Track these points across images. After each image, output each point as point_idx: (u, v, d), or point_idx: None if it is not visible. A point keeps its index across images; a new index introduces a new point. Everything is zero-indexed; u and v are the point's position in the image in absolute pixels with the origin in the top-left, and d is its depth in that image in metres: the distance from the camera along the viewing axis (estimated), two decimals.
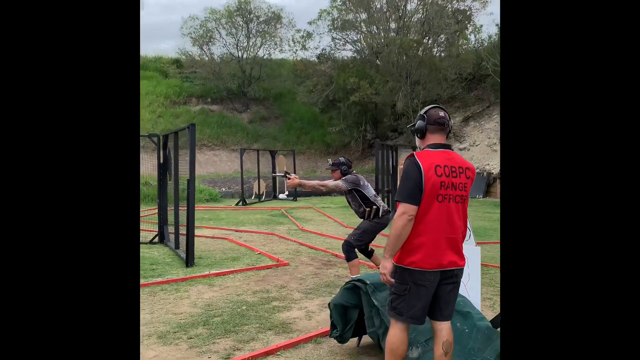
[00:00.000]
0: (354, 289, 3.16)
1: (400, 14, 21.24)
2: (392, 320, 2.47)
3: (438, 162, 2.36)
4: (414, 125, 2.53)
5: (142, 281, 5.00)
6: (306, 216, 11.49)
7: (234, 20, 25.79)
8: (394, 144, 14.38)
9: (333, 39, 23.58)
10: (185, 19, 27.56)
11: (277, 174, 4.57)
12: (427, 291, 2.39)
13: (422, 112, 2.52)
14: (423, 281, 2.36)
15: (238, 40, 26.23)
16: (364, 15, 22.60)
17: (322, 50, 23.68)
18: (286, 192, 16.58)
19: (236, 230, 8.93)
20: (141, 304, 4.24)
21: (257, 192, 15.82)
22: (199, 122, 24.72)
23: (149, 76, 26.23)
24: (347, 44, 23.71)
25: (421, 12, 21.24)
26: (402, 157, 12.54)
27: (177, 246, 6.73)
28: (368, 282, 3.07)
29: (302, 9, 49.10)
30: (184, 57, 27.15)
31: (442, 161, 2.38)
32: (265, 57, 26.37)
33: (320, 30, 23.15)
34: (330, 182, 4.75)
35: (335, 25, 22.69)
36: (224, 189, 17.22)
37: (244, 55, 26.24)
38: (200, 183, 17.63)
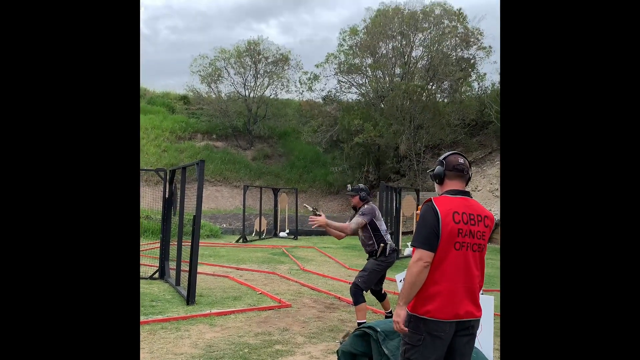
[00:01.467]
0: (364, 336, 3.08)
1: (405, 60, 21.73)
2: None
3: (456, 209, 2.31)
4: (432, 170, 2.50)
5: (142, 318, 4.89)
6: (307, 256, 11.36)
7: (242, 60, 26.37)
8: (397, 186, 14.43)
9: (339, 81, 24.03)
10: (195, 57, 28.05)
11: (308, 207, 4.62)
12: (443, 342, 2.30)
13: (441, 157, 2.49)
14: (438, 332, 2.28)
15: (246, 79, 26.75)
16: (369, 60, 23.14)
17: (328, 92, 24.08)
18: (287, 231, 16.47)
19: (237, 268, 8.81)
20: (141, 343, 4.13)
21: (258, 230, 15.71)
22: (203, 157, 24.89)
23: (155, 111, 26.63)
24: (353, 86, 24.17)
25: (426, 59, 21.74)
26: (405, 199, 12.54)
27: (177, 283, 6.62)
28: (379, 329, 3.00)
29: (308, 51, 50.29)
30: (191, 93, 27.61)
31: (460, 208, 2.33)
32: (271, 97, 26.81)
33: (327, 73, 23.51)
34: (351, 225, 4.64)
35: (342, 69, 23.17)
36: (224, 225, 17.12)
37: (251, 94, 26.70)
38: (202, 219, 17.58)
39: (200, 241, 13.96)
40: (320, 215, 4.29)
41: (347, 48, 23.26)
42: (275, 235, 16.23)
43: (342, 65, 23.09)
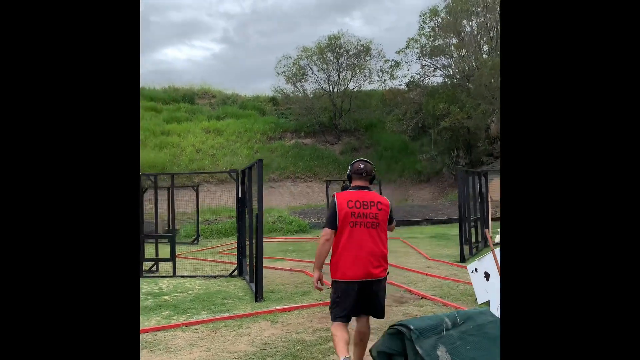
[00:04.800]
0: (397, 334, 2.93)
1: (491, 36, 20.42)
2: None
3: (351, 198, 3.25)
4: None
5: (210, 316, 5.14)
6: (390, 247, 11.17)
7: (325, 56, 26.59)
8: (486, 169, 13.61)
9: (422, 66, 23.29)
10: (279, 58, 28.81)
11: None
12: (353, 295, 3.18)
13: (350, 164, 3.44)
14: (347, 290, 3.18)
15: (329, 75, 26.94)
16: (454, 40, 22.10)
17: (411, 77, 23.43)
18: None
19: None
20: (201, 341, 4.33)
21: None
22: (293, 155, 25.59)
23: (247, 114, 27.83)
24: (437, 69, 23.27)
25: None
26: (493, 183, 11.80)
27: (252, 280, 6.85)
28: (412, 327, 2.84)
29: (395, 39, 49.37)
30: (278, 95, 28.44)
31: (355, 197, 3.26)
32: (355, 90, 26.71)
33: (408, 59, 22.88)
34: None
35: (424, 52, 22.41)
36: (313, 220, 17.42)
37: (335, 89, 26.83)
38: (291, 214, 18.04)
39: (286, 236, 14.42)
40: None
41: (428, 30, 22.45)
42: None
43: (424, 49, 22.34)
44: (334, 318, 3.26)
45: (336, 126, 26.71)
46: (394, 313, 5.19)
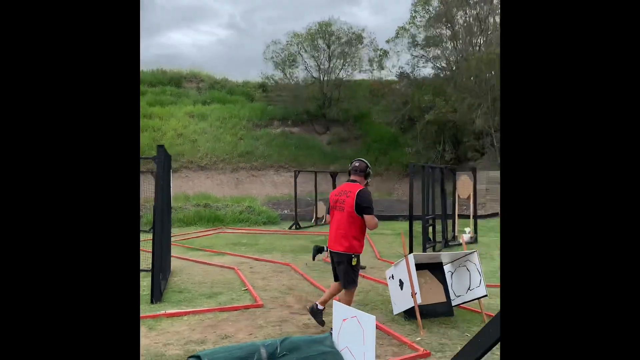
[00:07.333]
0: None
1: (482, 28, 19.62)
2: None
3: (338, 189, 4.45)
4: None
5: None
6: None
7: (315, 43, 25.83)
8: (453, 166, 12.94)
9: (413, 56, 22.53)
10: (268, 43, 28.01)
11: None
12: (333, 263, 4.43)
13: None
14: (330, 256, 4.44)
15: (320, 62, 26.19)
16: (447, 32, 21.31)
17: (400, 68, 22.70)
18: None
19: (256, 259, 8.36)
20: None
21: (316, 216, 15.20)
22: (278, 144, 24.92)
23: (234, 100, 27.13)
24: (429, 61, 22.50)
25: None
26: (461, 180, 11.18)
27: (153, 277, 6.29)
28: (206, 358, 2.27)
29: (382, 26, 48.43)
30: (267, 81, 27.74)
31: (340, 188, 4.41)
32: (345, 79, 25.97)
33: (398, 49, 22.12)
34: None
35: (415, 43, 21.65)
36: (286, 211, 16.84)
37: (325, 78, 26.10)
38: (265, 204, 17.49)
39: (250, 228, 13.85)
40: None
41: (420, 20, 21.66)
42: None
43: (414, 39, 21.57)
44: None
45: (324, 116, 26.01)
46: (294, 323, 4.64)
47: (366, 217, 4.20)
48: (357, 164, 4.40)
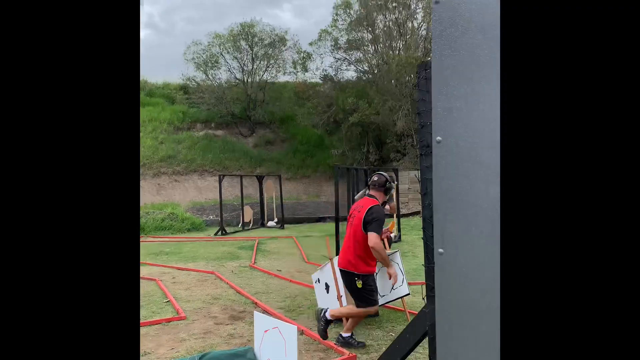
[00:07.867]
0: None
1: (401, 32, 20.34)
2: None
3: (356, 204, 4.13)
4: None
5: None
6: (277, 248, 10.52)
7: (238, 44, 25.45)
8: (390, 167, 13.29)
9: (336, 59, 22.88)
10: (189, 44, 27.24)
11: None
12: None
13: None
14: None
15: (243, 64, 25.85)
16: (368, 35, 21.83)
17: (324, 70, 22.97)
18: (275, 220, 15.67)
19: (179, 269, 8.03)
20: None
21: (244, 220, 14.95)
22: (202, 147, 24.26)
23: (154, 102, 26.06)
24: (351, 64, 22.95)
25: (423, 28, 20.30)
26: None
27: None
28: None
29: (305, 29, 49.08)
30: (189, 82, 26.94)
31: (357, 203, 4.10)
32: (269, 81, 25.83)
33: (321, 51, 22.36)
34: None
35: (337, 46, 21.99)
36: (212, 217, 16.42)
37: (249, 79, 25.79)
38: (189, 211, 16.94)
39: (173, 236, 13.34)
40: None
41: (342, 24, 22.04)
42: (263, 225, 15.43)
43: (337, 42, 21.91)
44: None
45: (250, 118, 25.70)
46: (218, 334, 4.47)
47: (368, 234, 3.78)
48: (375, 178, 4.05)
